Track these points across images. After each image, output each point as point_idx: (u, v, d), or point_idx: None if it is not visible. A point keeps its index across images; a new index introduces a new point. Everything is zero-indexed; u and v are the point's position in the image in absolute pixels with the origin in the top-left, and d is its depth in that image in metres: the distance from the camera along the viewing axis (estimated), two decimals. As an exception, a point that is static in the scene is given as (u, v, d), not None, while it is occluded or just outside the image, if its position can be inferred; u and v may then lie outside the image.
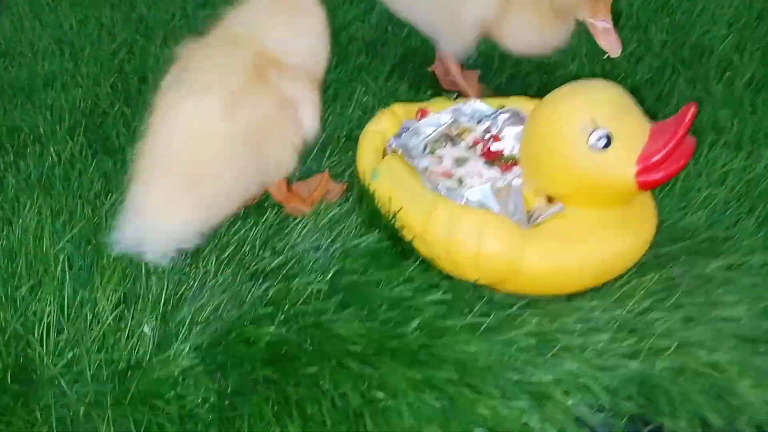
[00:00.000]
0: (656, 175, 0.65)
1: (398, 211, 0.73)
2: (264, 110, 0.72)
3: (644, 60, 1.07)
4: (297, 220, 0.80)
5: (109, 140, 0.91)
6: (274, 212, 0.81)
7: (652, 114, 0.95)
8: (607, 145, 0.66)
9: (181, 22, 1.15)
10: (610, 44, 0.90)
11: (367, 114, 0.96)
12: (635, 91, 0.98)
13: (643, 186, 0.66)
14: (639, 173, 0.65)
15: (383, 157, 0.81)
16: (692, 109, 0.63)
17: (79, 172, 0.86)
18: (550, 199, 0.73)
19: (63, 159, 0.88)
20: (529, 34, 0.94)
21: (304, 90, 0.74)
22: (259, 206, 0.82)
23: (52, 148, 0.89)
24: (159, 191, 0.70)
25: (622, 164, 0.65)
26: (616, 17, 1.18)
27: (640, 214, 0.72)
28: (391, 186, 0.75)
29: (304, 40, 0.77)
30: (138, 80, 1.02)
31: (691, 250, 0.77)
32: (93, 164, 0.87)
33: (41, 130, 0.92)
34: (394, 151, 0.80)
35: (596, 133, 0.65)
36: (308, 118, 0.74)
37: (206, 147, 0.70)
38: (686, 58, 1.06)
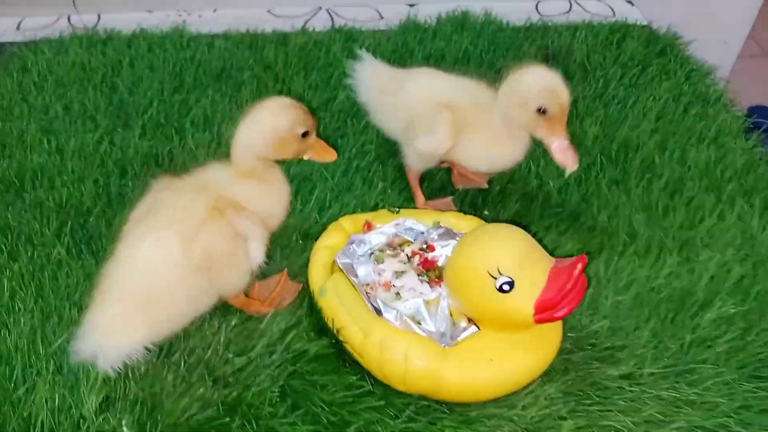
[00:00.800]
0: (550, 317, 0.77)
1: (340, 329, 0.86)
2: (218, 243, 0.83)
3: (576, 156, 1.19)
4: (257, 322, 0.93)
5: (92, 240, 1.02)
6: (236, 314, 0.94)
7: (574, 217, 1.09)
8: (511, 289, 0.78)
9: (158, 108, 1.26)
10: (566, 161, 0.94)
11: (324, 211, 1.08)
12: (562, 190, 1.12)
13: (541, 323, 0.79)
14: (536, 314, 0.78)
15: (332, 271, 0.93)
16: (581, 264, 0.76)
17: (66, 273, 0.98)
18: (469, 319, 0.86)
19: (52, 261, 0.99)
20: (484, 155, 1.01)
21: (255, 229, 0.86)
22: (224, 306, 0.95)
23: (41, 250, 1.00)
24: (113, 313, 0.81)
25: (523, 306, 0.78)
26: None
27: (546, 332, 0.85)
28: (335, 305, 0.88)
29: (266, 199, 0.89)
30: (119, 174, 1.13)
31: (592, 357, 0.90)
32: (79, 265, 0.99)
33: (31, 230, 1.03)
34: (340, 270, 0.92)
35: (500, 279, 0.78)
36: (255, 254, 0.86)
37: (162, 276, 0.81)
38: (614, 155, 1.18)
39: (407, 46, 1.44)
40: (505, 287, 0.78)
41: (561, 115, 0.94)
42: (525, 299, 0.78)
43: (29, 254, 1.00)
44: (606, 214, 1.08)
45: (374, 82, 1.08)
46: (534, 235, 1.03)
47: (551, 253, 0.82)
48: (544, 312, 0.78)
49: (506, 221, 1.07)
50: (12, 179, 1.11)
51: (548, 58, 1.41)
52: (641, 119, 1.26)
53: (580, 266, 0.76)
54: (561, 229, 1.06)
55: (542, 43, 1.46)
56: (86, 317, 0.83)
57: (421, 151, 1.02)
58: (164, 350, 0.90)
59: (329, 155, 0.93)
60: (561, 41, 1.45)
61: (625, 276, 0.98)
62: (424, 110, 1.01)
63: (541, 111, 0.94)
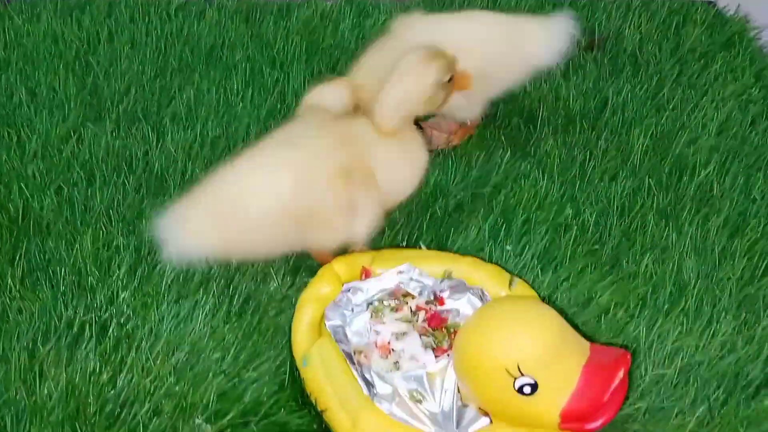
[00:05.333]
0: (581, 428, 0.63)
1: (325, 410, 0.72)
2: (327, 205, 0.79)
3: (619, 177, 1.01)
4: (232, 383, 0.79)
5: (50, 265, 0.89)
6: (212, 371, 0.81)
7: (613, 259, 0.92)
8: (533, 391, 0.63)
9: (136, 97, 1.10)
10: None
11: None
12: (601, 221, 0.95)
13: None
14: (563, 422, 0.63)
15: (320, 330, 0.79)
16: (623, 369, 0.61)
17: (18, 309, 0.85)
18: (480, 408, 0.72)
19: (2, 290, 0.86)
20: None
21: (370, 207, 0.82)
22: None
23: (-8, 281, 0.87)
24: (197, 212, 0.79)
25: (546, 412, 0.63)
26: (602, 104, 1.11)
27: (571, 425, 0.71)
28: (320, 380, 0.73)
29: (402, 171, 0.85)
30: (85, 181, 0.98)
31: (625, 450, 0.76)
32: (33, 297, 0.86)
33: (-19, 254, 0.90)
34: (327, 334, 0.77)
35: (522, 380, 0.63)
36: (359, 230, 0.82)
37: (259, 207, 0.78)
38: (665, 179, 1.00)
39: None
40: (526, 389, 0.63)
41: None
42: (550, 405, 0.63)
43: (-24, 282, 0.87)
44: (651, 257, 0.91)
45: None
46: (563, 282, 0.90)
47: (581, 330, 0.66)
48: (572, 422, 0.63)
49: (532, 258, 0.91)
50: (-37, 184, 0.97)
51: (593, 47, 1.20)
52: (699, 132, 1.06)
53: (621, 373, 0.61)
54: (597, 274, 0.89)
55: (587, 25, 1.24)
56: (179, 202, 0.80)
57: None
58: (125, 407, 0.78)
59: (469, 82, 0.89)
60: (610, 24, 1.24)
61: (670, 342, 0.83)
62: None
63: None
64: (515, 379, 0.63)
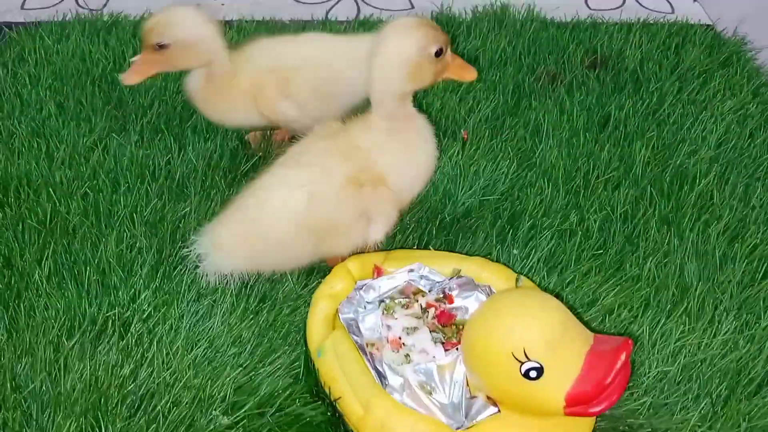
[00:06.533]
0: (584, 411, 0.65)
1: (338, 398, 0.75)
2: (343, 215, 0.83)
3: (622, 186, 1.04)
4: (249, 376, 0.82)
5: (75, 265, 0.93)
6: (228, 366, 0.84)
7: (617, 263, 0.95)
8: (539, 375, 0.66)
9: (159, 111, 1.15)
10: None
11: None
12: (605, 228, 0.98)
13: (573, 416, 0.66)
14: (568, 406, 0.65)
15: (333, 325, 0.82)
16: (625, 354, 0.63)
17: (44, 305, 0.89)
18: (488, 397, 0.74)
19: (30, 288, 0.90)
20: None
21: (388, 209, 0.85)
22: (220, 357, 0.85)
23: (19, 276, 0.91)
24: (229, 230, 0.85)
25: (552, 396, 0.66)
26: (605, 118, 1.15)
27: (578, 418, 0.73)
28: (334, 370, 0.76)
29: (410, 169, 0.86)
30: (110, 188, 1.03)
31: (629, 443, 0.78)
32: (59, 295, 0.89)
33: (10, 251, 0.94)
34: (341, 327, 0.81)
35: (527, 363, 0.66)
36: (375, 235, 0.86)
37: (280, 225, 0.83)
38: (666, 188, 1.03)
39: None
40: (532, 374, 0.66)
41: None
42: (555, 389, 0.65)
43: (5, 280, 0.91)
44: (654, 261, 0.94)
45: None
46: (569, 284, 0.92)
47: (588, 322, 0.69)
48: (577, 405, 0.65)
49: (538, 261, 0.94)
50: (-4, 188, 1.02)
51: (596, 65, 1.25)
52: (699, 144, 1.10)
53: (623, 356, 0.63)
54: (601, 277, 0.92)
55: (590, 46, 1.30)
56: (216, 220, 0.88)
57: None
58: (145, 399, 0.81)
59: (469, 73, 0.86)
60: (612, 44, 1.29)
61: (673, 341, 0.85)
62: None
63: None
64: (522, 363, 0.66)
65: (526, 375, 0.66)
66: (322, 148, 0.86)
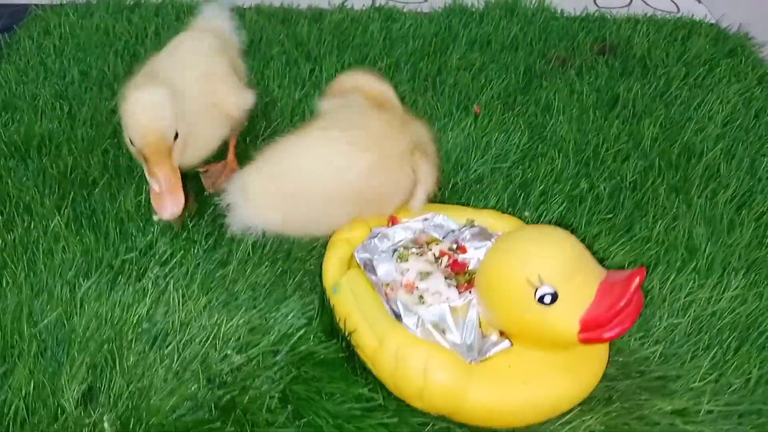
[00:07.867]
0: (598, 337, 0.66)
1: (352, 332, 0.76)
2: (392, 185, 0.84)
3: (631, 158, 1.06)
4: (262, 316, 0.83)
5: (94, 215, 0.94)
6: (243, 306, 0.85)
7: (626, 226, 0.96)
8: (553, 301, 0.67)
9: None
10: (157, 206, 0.80)
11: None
12: (614, 195, 1.00)
13: (586, 343, 0.67)
14: (582, 332, 0.66)
15: (349, 267, 0.83)
16: (638, 278, 0.64)
17: (62, 248, 0.90)
18: (501, 332, 0.75)
19: (48, 233, 0.91)
20: None
21: (431, 178, 0.86)
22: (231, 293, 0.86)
23: (39, 221, 0.93)
24: (261, 184, 0.81)
25: (566, 322, 0.67)
26: (614, 99, 1.18)
27: (589, 354, 0.73)
28: (349, 305, 0.77)
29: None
30: (130, 146, 1.05)
31: (641, 387, 0.78)
32: (77, 240, 0.91)
33: (31, 198, 0.96)
34: (358, 266, 0.82)
35: (542, 289, 0.67)
36: (417, 200, 0.86)
37: (325, 183, 0.81)
38: (674, 160, 1.06)
39: (451, 29, 1.33)
40: (547, 299, 0.67)
41: (150, 152, 0.78)
42: (569, 314, 0.66)
43: (25, 225, 0.92)
44: (663, 225, 0.95)
45: None
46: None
47: (602, 265, 0.71)
48: (591, 331, 0.66)
49: (549, 223, 0.96)
50: (18, 144, 1.04)
51: (605, 52, 1.28)
52: (706, 123, 1.13)
53: (637, 281, 0.65)
54: (611, 238, 0.94)
55: (599, 35, 1.33)
56: (246, 170, 0.83)
57: None
58: (158, 338, 0.81)
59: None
60: (620, 34, 1.33)
61: (683, 296, 0.86)
62: None
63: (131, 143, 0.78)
64: (536, 289, 0.67)
65: (540, 300, 0.67)
66: (379, 117, 0.85)
